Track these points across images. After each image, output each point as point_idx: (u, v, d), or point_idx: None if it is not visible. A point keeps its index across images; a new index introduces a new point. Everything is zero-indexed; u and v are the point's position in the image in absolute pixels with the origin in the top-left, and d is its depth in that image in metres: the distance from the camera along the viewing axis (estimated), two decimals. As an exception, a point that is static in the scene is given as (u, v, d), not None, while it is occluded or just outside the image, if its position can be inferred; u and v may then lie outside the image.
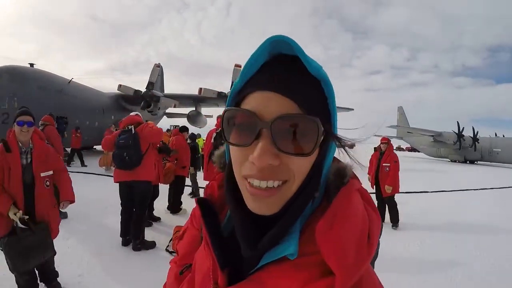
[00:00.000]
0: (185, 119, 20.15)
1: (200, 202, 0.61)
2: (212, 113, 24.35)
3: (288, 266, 0.46)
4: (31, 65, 15.33)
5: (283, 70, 0.48)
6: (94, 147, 18.91)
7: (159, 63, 18.35)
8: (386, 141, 6.08)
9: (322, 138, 0.47)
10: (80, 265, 3.72)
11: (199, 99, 19.19)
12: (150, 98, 17.01)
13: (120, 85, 16.82)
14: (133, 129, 4.30)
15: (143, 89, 17.34)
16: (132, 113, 4.72)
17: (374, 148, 6.16)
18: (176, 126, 11.79)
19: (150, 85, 17.21)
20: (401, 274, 3.84)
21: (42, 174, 2.83)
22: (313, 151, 0.46)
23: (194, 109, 20.30)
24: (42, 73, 15.18)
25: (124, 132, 4.36)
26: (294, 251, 0.45)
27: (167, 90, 24.71)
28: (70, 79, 16.39)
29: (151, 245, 4.42)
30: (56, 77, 15.81)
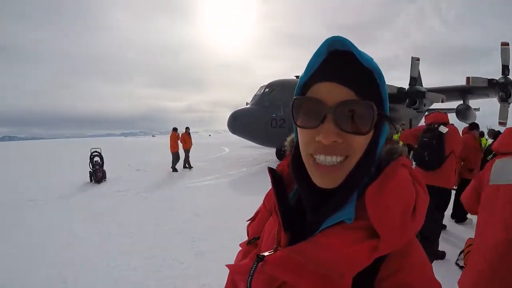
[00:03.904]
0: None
1: (271, 171, 0.70)
2: (479, 106, 20.19)
3: (342, 228, 0.53)
4: (297, 77, 16.23)
5: (341, 64, 0.56)
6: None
7: (418, 57, 16.13)
8: None
9: (376, 119, 0.55)
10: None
11: (467, 90, 15.74)
12: (415, 95, 14.72)
13: (382, 84, 15.87)
14: (441, 129, 4.06)
15: (403, 86, 15.40)
16: (437, 109, 3.39)
17: None
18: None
19: (413, 80, 14.92)
20: None
21: None
22: (370, 130, 0.55)
23: (461, 102, 16.68)
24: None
25: (429, 130, 4.17)
26: (352, 215, 0.53)
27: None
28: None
29: (441, 255, 4.13)
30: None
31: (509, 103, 12.47)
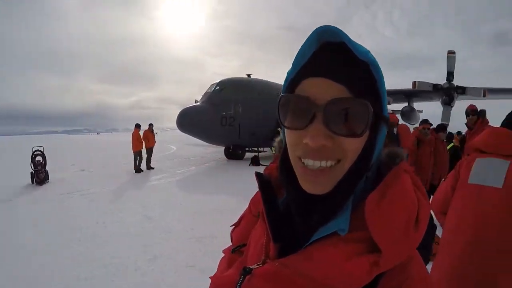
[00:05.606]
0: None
1: (258, 175, 0.65)
2: (423, 108, 21.81)
3: (336, 240, 0.48)
4: (249, 75, 16.40)
5: (331, 57, 0.50)
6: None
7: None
8: None
9: (372, 119, 0.49)
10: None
11: (412, 94, 17.31)
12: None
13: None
14: (394, 130, 4.03)
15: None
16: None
17: None
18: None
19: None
20: None
21: None
22: (364, 132, 0.49)
23: (406, 104, 18.22)
24: (260, 81, 16.20)
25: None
26: (345, 226, 0.47)
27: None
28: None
29: None
30: (272, 84, 16.57)
31: (452, 106, 13.51)
